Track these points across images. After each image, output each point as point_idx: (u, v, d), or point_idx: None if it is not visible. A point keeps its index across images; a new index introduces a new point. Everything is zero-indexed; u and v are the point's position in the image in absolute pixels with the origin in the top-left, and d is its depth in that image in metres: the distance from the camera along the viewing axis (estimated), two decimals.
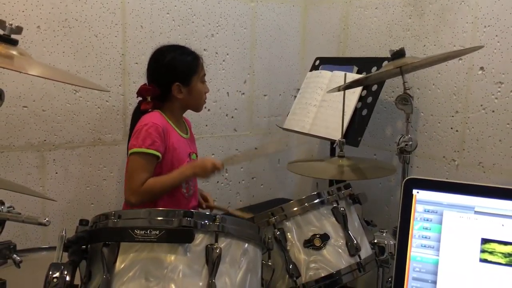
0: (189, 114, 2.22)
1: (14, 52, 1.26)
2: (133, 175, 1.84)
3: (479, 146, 2.06)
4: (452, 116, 2.16)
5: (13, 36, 1.27)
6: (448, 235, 1.00)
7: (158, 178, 1.88)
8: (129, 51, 2.36)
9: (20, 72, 1.39)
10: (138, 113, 1.98)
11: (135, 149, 1.83)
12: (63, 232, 1.16)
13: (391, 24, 2.42)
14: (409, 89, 1.82)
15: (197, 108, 2.08)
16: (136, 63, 2.34)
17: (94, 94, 2.29)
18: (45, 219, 1.10)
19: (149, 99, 1.95)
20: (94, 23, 2.26)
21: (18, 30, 1.27)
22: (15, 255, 1.23)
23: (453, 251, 1.00)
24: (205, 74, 2.04)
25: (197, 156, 2.10)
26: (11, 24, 1.26)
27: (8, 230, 1.32)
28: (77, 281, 1.16)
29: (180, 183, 1.95)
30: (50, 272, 1.09)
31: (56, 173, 2.25)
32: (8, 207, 1.22)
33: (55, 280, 1.08)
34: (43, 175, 2.22)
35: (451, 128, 2.17)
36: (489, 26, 2.00)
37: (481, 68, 2.04)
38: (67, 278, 1.09)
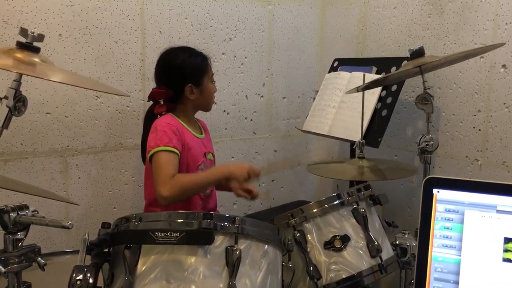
0: (208, 117, 2.23)
1: (36, 59, 1.29)
2: (160, 170, 1.79)
3: (502, 145, 2.02)
4: (474, 115, 2.13)
5: (35, 44, 1.30)
6: (470, 235, 0.99)
7: (189, 174, 1.87)
8: (148, 57, 2.39)
9: (42, 79, 1.42)
10: (151, 117, 1.99)
11: (154, 149, 1.82)
12: (86, 235, 1.18)
13: (410, 24, 2.40)
14: (429, 88, 1.80)
15: (207, 107, 2.09)
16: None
17: (115, 100, 2.33)
18: (68, 222, 1.13)
19: (161, 102, 1.96)
20: (114, 30, 2.29)
21: (40, 38, 1.30)
22: (39, 258, 1.25)
23: (475, 251, 0.98)
24: (213, 74, 2.05)
25: (213, 155, 2.10)
26: (33, 32, 1.29)
27: (33, 234, 1.35)
28: (100, 283, 1.18)
29: (214, 181, 1.90)
30: (74, 275, 1.11)
31: (79, 178, 2.29)
32: (32, 211, 1.25)
33: (78, 282, 1.10)
34: (66, 180, 2.26)
35: (474, 127, 2.14)
36: (510, 23, 1.97)
37: (503, 66, 2.00)
38: (90, 280, 1.11)
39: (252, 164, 1.91)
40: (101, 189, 2.35)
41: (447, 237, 1.01)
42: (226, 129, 2.72)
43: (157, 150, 1.82)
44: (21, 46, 1.28)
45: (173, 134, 1.85)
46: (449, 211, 1.02)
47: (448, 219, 1.01)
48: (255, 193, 1.93)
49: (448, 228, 1.01)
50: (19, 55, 1.26)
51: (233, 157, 2.75)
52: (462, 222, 1.00)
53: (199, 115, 2.13)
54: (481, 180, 1.01)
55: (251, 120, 2.81)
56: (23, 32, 1.29)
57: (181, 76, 1.95)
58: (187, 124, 1.99)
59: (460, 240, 1.00)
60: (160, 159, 1.81)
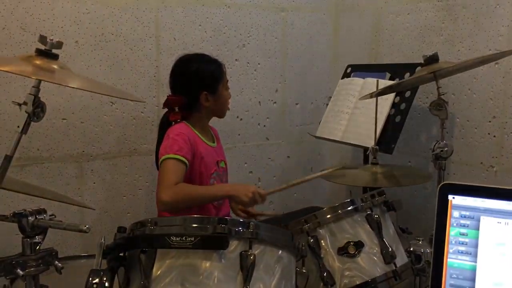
0: (222, 123, 2.24)
1: (55, 66, 1.31)
2: (164, 176, 1.81)
3: None
4: (489, 121, 2.12)
5: (54, 51, 1.32)
6: (486, 241, 0.98)
7: (193, 185, 1.88)
8: (163, 63, 2.41)
9: (61, 85, 1.44)
10: (165, 124, 2.00)
11: (164, 157, 1.84)
12: (102, 239, 1.19)
13: (424, 30, 2.40)
14: (443, 94, 1.79)
15: (222, 114, 2.10)
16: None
17: (129, 106, 2.35)
18: (85, 226, 1.14)
19: (176, 109, 1.97)
20: (129, 37, 2.32)
21: (59, 45, 1.32)
22: (57, 262, 1.27)
23: (491, 257, 0.97)
24: (228, 81, 2.06)
25: (225, 163, 2.11)
26: (52, 39, 1.31)
27: (48, 239, 1.38)
28: (116, 287, 1.19)
29: (215, 197, 1.91)
30: (90, 278, 1.12)
31: (94, 183, 2.31)
32: (50, 215, 1.26)
33: (95, 286, 1.12)
34: (81, 185, 2.28)
35: (489, 133, 2.12)
36: None
37: None
38: (106, 284, 1.12)
39: (259, 187, 1.92)
40: (115, 194, 2.37)
41: (462, 243, 1.00)
42: (239, 135, 2.73)
43: (166, 158, 1.83)
44: (40, 53, 1.30)
45: (185, 143, 1.86)
46: (464, 217, 1.01)
47: (464, 225, 1.01)
48: (253, 214, 2.09)
49: (463, 234, 1.00)
50: (38, 62, 1.28)
51: (246, 163, 2.76)
52: (477, 228, 1.00)
53: (212, 121, 2.14)
54: (497, 186, 1.01)
55: (264, 126, 2.82)
56: (42, 39, 1.31)
57: (196, 83, 1.96)
58: (200, 133, 2.00)
59: (476, 246, 0.99)
60: (166, 166, 1.83)
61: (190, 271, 1.14)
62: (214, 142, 2.10)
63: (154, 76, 2.41)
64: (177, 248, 1.13)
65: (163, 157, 1.84)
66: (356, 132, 2.30)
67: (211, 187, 1.94)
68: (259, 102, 2.78)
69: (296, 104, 2.93)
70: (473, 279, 0.98)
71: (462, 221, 1.01)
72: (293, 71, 2.88)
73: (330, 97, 2.64)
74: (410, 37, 2.49)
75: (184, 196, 1.79)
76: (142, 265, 1.15)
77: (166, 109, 2.04)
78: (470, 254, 0.99)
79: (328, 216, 1.52)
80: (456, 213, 1.02)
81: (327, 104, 2.64)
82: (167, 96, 2.01)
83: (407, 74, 2.26)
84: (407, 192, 2.44)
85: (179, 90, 1.99)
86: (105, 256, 1.20)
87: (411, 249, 1.64)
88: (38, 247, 1.24)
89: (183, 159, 1.84)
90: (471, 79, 2.17)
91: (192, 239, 1.12)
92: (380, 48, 2.68)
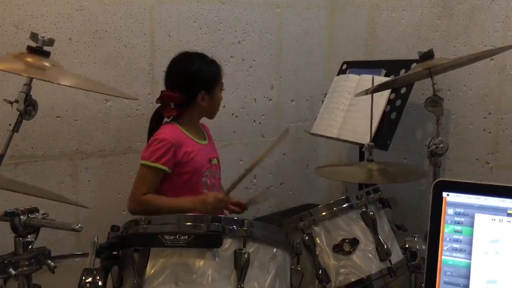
0: (217, 120, 2.23)
1: (47, 64, 1.30)
2: (136, 184, 1.91)
3: None
4: (485, 118, 2.11)
5: (45, 48, 1.31)
6: (480, 238, 0.98)
7: (160, 198, 1.90)
8: (157, 60, 2.39)
9: (53, 83, 1.43)
10: (157, 120, 2.02)
11: (143, 161, 1.89)
12: (96, 238, 1.19)
13: (419, 26, 2.39)
14: (439, 90, 1.79)
15: (212, 115, 2.10)
16: (165, 71, 2.38)
17: (124, 103, 2.34)
18: (78, 225, 1.13)
19: (172, 105, 1.97)
20: (123, 34, 2.30)
21: (50, 42, 1.31)
22: (49, 261, 1.26)
23: (485, 255, 0.97)
24: (223, 84, 2.07)
25: (218, 160, 2.10)
26: (43, 37, 1.30)
27: (42, 237, 1.37)
28: (109, 286, 1.18)
29: (180, 210, 1.84)
30: (83, 277, 1.12)
31: (89, 181, 2.30)
32: (42, 214, 1.25)
33: (88, 285, 1.11)
34: (76, 183, 2.27)
35: (484, 129, 2.12)
36: None
37: None
38: (100, 283, 1.12)
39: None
40: (110, 192, 2.36)
41: (457, 241, 1.00)
42: (234, 132, 2.72)
43: (143, 163, 1.89)
44: (31, 50, 1.29)
45: (166, 150, 1.87)
46: (459, 214, 1.01)
47: (458, 222, 1.00)
48: (244, 204, 2.10)
49: (458, 232, 1.00)
50: (29, 59, 1.27)
51: (241, 160, 2.75)
52: (472, 225, 0.99)
53: (207, 120, 2.13)
54: (492, 183, 1.00)
55: (260, 123, 2.81)
56: (34, 36, 1.30)
57: (197, 82, 1.96)
58: (190, 132, 2.00)
59: (470, 243, 0.99)
60: (141, 173, 1.91)
61: (183, 269, 1.13)
62: (205, 140, 2.09)
63: (149, 73, 2.40)
64: (170, 247, 1.13)
65: (142, 162, 1.89)
66: (352, 129, 2.30)
67: (177, 201, 1.91)
68: (255, 99, 2.77)
69: (292, 101, 2.92)
70: (467, 276, 0.98)
71: (457, 218, 1.01)
72: (288, 68, 2.87)
73: (326, 94, 2.64)
74: (405, 33, 2.48)
75: (150, 207, 1.87)
76: (136, 264, 1.14)
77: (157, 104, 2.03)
78: (465, 251, 0.99)
79: (323, 213, 1.53)
80: (450, 210, 1.02)
81: (323, 101, 2.64)
82: (163, 91, 1.99)
83: (403, 71, 2.26)
84: (403, 189, 2.43)
85: (177, 87, 1.98)
86: (98, 255, 1.19)
87: (407, 246, 1.64)
88: (30, 246, 1.22)
89: (162, 167, 1.87)
90: (466, 75, 2.17)
91: (186, 237, 1.12)
92: (375, 44, 2.68)
